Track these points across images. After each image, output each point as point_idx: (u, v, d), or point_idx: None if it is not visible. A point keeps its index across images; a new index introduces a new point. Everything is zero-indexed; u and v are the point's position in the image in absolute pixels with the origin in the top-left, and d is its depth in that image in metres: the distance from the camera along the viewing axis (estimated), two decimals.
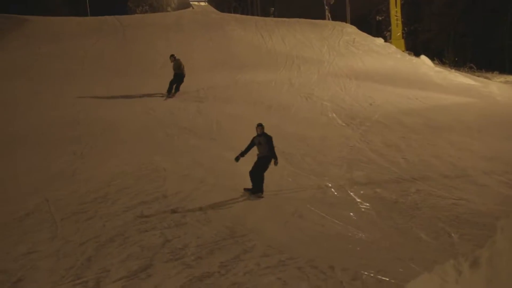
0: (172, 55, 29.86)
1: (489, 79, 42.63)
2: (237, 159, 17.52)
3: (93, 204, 15.97)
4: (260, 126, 17.31)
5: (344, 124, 26.23)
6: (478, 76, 42.69)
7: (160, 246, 12.81)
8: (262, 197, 16.74)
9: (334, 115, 27.68)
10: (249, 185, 16.96)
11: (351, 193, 17.60)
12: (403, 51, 48.34)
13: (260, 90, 32.13)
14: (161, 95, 29.83)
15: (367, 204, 16.65)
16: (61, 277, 11.18)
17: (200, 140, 22.88)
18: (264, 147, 17.08)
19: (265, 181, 16.87)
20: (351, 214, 15.82)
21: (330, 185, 18.36)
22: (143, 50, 40.53)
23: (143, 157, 20.26)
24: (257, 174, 16.99)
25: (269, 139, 17.13)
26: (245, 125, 24.76)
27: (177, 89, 29.50)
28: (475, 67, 46.64)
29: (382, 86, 33.97)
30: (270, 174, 17.66)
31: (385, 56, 43.19)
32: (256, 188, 16.92)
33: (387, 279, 10.90)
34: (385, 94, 32.05)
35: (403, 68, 40.26)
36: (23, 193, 17.06)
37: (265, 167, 17.08)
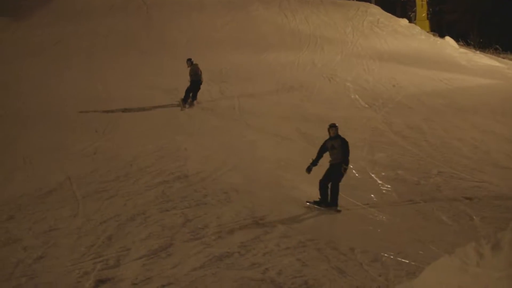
0: (189, 59, 25.35)
1: None
2: (308, 169, 15.05)
3: (115, 183, 16.02)
4: (333, 127, 14.88)
5: (366, 106, 26.11)
6: (503, 58, 42.22)
7: (181, 225, 12.83)
8: (339, 211, 14.43)
9: (357, 96, 27.54)
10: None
11: (373, 175, 17.53)
12: (427, 32, 47.89)
13: (283, 71, 32.04)
14: (176, 103, 25.49)
15: (388, 186, 16.58)
16: (82, 254, 11.24)
17: (222, 121, 22.89)
18: (338, 152, 14.65)
19: (285, 162, 16.66)
20: (372, 195, 15.76)
21: (351, 166, 18.25)
22: (166, 29, 40.43)
23: (165, 137, 20.28)
24: (332, 184, 14.64)
25: (344, 143, 14.68)
26: (268, 106, 24.81)
27: (194, 97, 25.14)
28: (500, 49, 46.11)
29: (406, 67, 33.74)
30: (292, 155, 17.60)
31: (409, 37, 42.83)
32: (330, 202, 14.50)
33: (407, 261, 10.86)
34: (408, 76, 31.83)
35: (427, 49, 39.94)
36: (45, 171, 17.17)
37: (339, 177, 14.62)
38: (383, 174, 17.65)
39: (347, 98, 27.37)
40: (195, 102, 24.96)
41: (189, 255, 11.06)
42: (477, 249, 6.56)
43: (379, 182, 16.96)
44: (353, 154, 19.32)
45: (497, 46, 46.48)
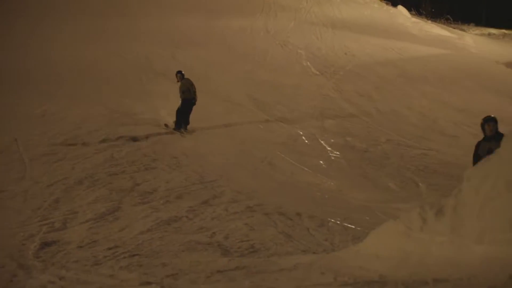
0: (178, 72, 19.47)
1: (464, 31, 42.62)
2: None
3: (63, 146, 15.83)
4: (491, 121, 10.41)
5: (318, 73, 26.17)
6: (454, 28, 42.67)
7: (129, 189, 12.75)
8: None
9: (309, 63, 27.58)
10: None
11: (322, 142, 17.63)
12: (380, 0, 48.05)
13: (235, 36, 31.86)
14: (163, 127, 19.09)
15: (337, 153, 16.70)
16: (28, 217, 11.08)
17: (173, 85, 22.67)
18: None
19: (236, 128, 16.64)
20: (321, 162, 15.86)
21: (301, 133, 18.36)
22: None
23: (115, 101, 20.07)
24: None
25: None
26: (220, 72, 24.64)
27: (187, 121, 18.75)
28: (451, 19, 46.55)
29: (358, 35, 33.84)
30: (241, 121, 17.61)
31: (362, 6, 42.93)
32: None
33: (353, 227, 10.96)
34: (360, 44, 31.96)
35: (380, 18, 40.09)
36: None
37: None
38: (332, 141, 17.76)
39: (299, 65, 27.39)
40: (188, 128, 18.64)
41: (137, 219, 10.99)
42: (421, 215, 6.65)
43: (328, 148, 17.06)
44: (303, 121, 19.51)
45: (449, 16, 46.90)
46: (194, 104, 18.72)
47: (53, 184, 13.01)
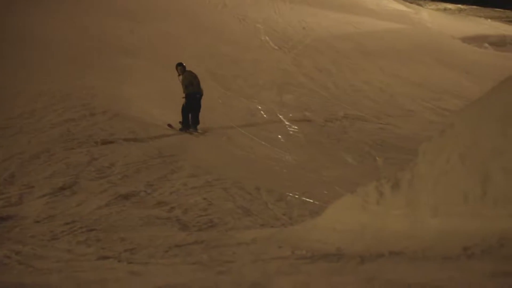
0: (179, 64, 17.02)
1: (421, 6, 42.86)
2: None
3: (19, 120, 15.62)
4: None
5: (276, 47, 26.14)
6: (411, 3, 42.87)
7: (86, 164, 12.66)
8: None
9: (267, 38, 27.53)
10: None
11: (280, 116, 17.68)
12: None
13: (193, 9, 31.59)
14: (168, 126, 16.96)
15: (296, 127, 16.76)
16: None
17: (133, 59, 22.49)
18: None
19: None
20: (279, 136, 15.91)
21: (260, 107, 18.38)
22: None
23: (72, 75, 19.82)
24: None
25: None
26: (179, 45, 24.46)
27: (196, 120, 16.49)
28: None
29: (316, 9, 33.82)
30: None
31: None
32: None
33: (311, 201, 11.05)
34: (318, 18, 31.95)
35: None
36: None
37: None
38: (290, 115, 17.82)
39: (258, 39, 27.32)
40: (198, 127, 16.51)
41: (94, 194, 10.94)
42: (378, 188, 6.72)
43: (287, 123, 17.12)
44: (262, 95, 19.54)
45: None
46: (200, 98, 16.59)
47: (9, 158, 12.86)
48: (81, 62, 21.68)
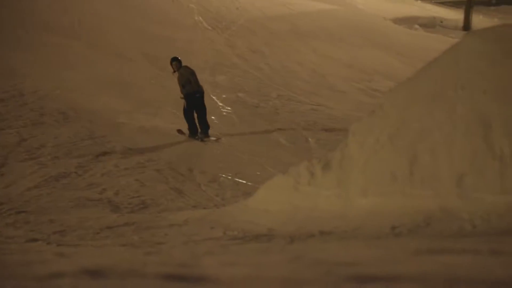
0: (174, 59, 14.91)
1: None
2: None
3: None
4: None
5: (210, 28, 26.02)
6: None
7: (15, 145, 12.44)
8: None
9: (200, 18, 27.36)
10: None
11: (213, 97, 17.63)
12: None
13: None
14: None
15: (229, 108, 16.76)
16: None
17: (61, 38, 22.07)
18: None
19: (125, 84, 16.37)
20: (213, 118, 15.87)
21: None
22: None
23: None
24: None
25: None
26: (110, 25, 24.11)
27: (205, 124, 14.49)
28: None
29: None
30: (133, 77, 17.37)
31: None
32: None
33: (244, 182, 11.10)
34: None
35: None
36: None
37: None
38: (224, 96, 17.80)
39: (191, 19, 27.12)
40: (209, 132, 14.52)
41: (24, 175, 10.77)
42: (309, 169, 6.78)
43: (220, 104, 17.11)
44: None
45: None
46: (201, 97, 14.59)
47: None
48: (10, 40, 21.16)
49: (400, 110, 6.53)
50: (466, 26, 30.59)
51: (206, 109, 14.66)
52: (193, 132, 14.42)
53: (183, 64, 14.89)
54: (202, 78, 18.99)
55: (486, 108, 5.54)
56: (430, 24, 31.63)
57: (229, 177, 11.30)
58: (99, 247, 6.05)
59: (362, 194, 6.04)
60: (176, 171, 11.37)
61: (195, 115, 14.47)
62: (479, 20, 31.13)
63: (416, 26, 31.03)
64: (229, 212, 7.50)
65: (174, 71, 14.81)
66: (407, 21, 31.53)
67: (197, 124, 14.46)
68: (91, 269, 2.68)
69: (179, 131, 14.51)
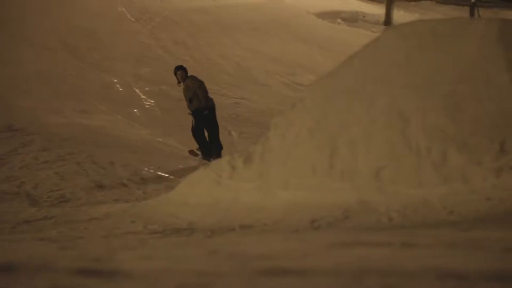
0: (178, 68, 12.87)
1: None
2: None
3: None
4: None
5: (133, 19, 25.72)
6: None
7: None
8: None
9: (124, 9, 27.01)
10: None
11: (136, 90, 17.47)
12: None
13: None
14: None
15: (152, 101, 16.63)
16: None
17: None
18: None
19: (45, 75, 16.05)
20: (135, 110, 15.75)
21: (115, 80, 18.07)
22: None
23: None
24: None
25: None
26: (32, 15, 23.56)
27: (217, 144, 12.62)
28: None
29: None
30: (53, 68, 17.07)
31: None
32: None
33: (167, 175, 11.04)
34: None
35: None
36: None
37: None
38: (147, 89, 17.64)
39: (114, 10, 26.74)
40: (221, 152, 12.25)
41: None
42: (231, 163, 6.80)
43: (143, 97, 16.95)
44: (118, 68, 19.21)
45: None
46: (211, 114, 12.77)
47: None
48: None
49: (320, 104, 6.61)
50: (387, 21, 31.03)
51: (218, 127, 12.94)
52: (206, 153, 12.39)
53: (190, 73, 13.07)
54: (125, 70, 18.86)
55: (404, 103, 5.66)
56: (352, 19, 31.97)
57: (151, 171, 11.23)
58: (15, 242, 5.93)
59: (283, 187, 6.09)
60: (98, 164, 11.22)
61: (206, 133, 12.68)
62: (400, 15, 31.60)
63: (339, 20, 31.33)
64: (150, 205, 7.46)
65: (179, 82, 12.79)
66: (330, 15, 31.79)
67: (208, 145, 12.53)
68: (2, 264, 2.62)
69: (191, 152, 12.61)
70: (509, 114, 5.14)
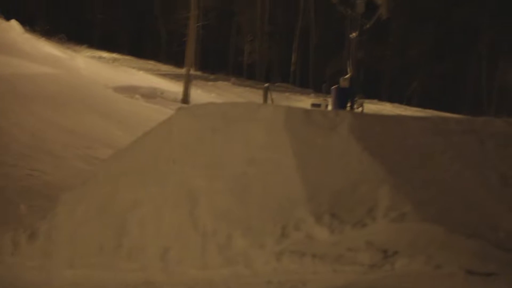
0: None
1: (77, 52, 42.90)
2: None
3: None
4: None
5: None
6: (68, 48, 42.70)
7: None
8: None
9: None
10: None
11: None
12: None
13: None
14: None
15: None
16: None
17: None
18: None
19: None
20: None
21: None
22: None
23: None
24: None
25: None
26: None
27: None
28: (66, 38, 46.62)
29: None
30: None
31: None
32: None
33: None
34: None
35: None
36: None
37: None
38: None
39: None
40: None
41: None
42: (14, 239, 6.49)
43: None
44: None
45: (63, 35, 46.93)
46: None
47: None
48: None
49: (114, 179, 6.51)
50: (185, 99, 31.56)
51: None
52: None
53: None
54: None
55: (194, 183, 5.69)
56: (151, 95, 32.14)
57: None
58: None
59: (68, 266, 5.87)
60: None
61: None
62: (197, 94, 32.31)
63: (137, 96, 31.41)
64: None
65: None
66: (128, 90, 31.78)
67: None
68: None
69: None
70: (294, 199, 5.28)
